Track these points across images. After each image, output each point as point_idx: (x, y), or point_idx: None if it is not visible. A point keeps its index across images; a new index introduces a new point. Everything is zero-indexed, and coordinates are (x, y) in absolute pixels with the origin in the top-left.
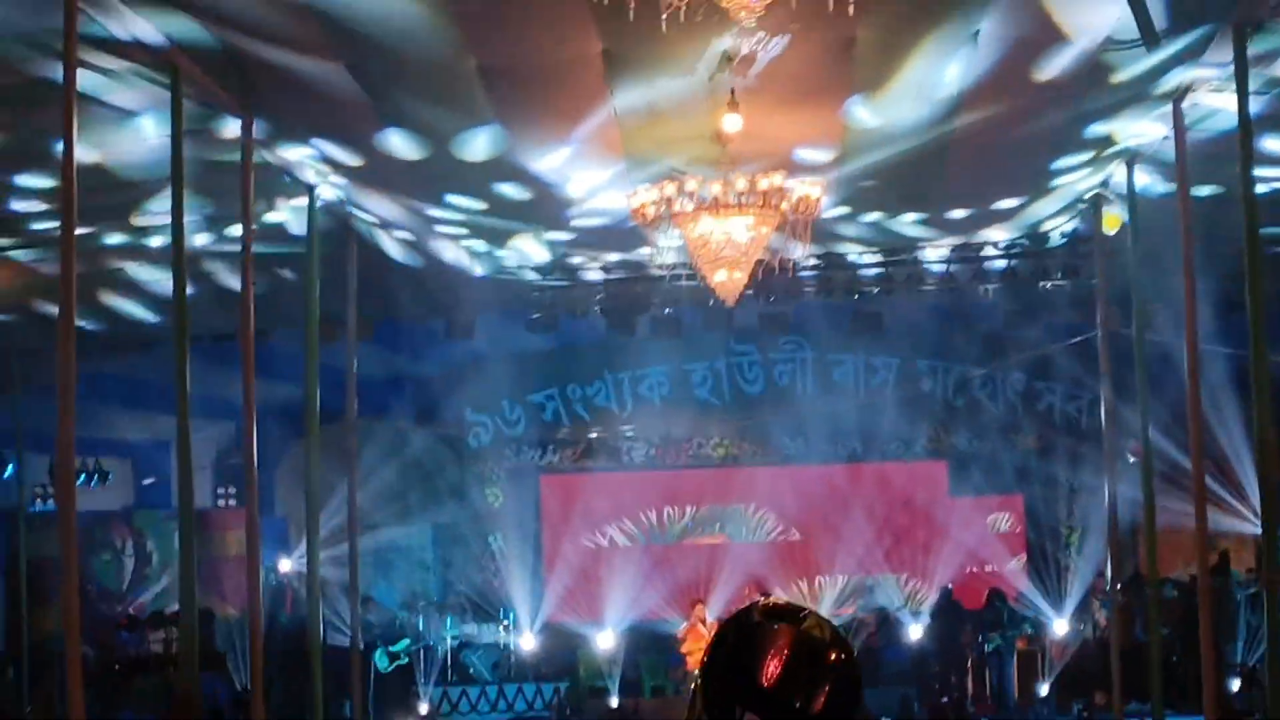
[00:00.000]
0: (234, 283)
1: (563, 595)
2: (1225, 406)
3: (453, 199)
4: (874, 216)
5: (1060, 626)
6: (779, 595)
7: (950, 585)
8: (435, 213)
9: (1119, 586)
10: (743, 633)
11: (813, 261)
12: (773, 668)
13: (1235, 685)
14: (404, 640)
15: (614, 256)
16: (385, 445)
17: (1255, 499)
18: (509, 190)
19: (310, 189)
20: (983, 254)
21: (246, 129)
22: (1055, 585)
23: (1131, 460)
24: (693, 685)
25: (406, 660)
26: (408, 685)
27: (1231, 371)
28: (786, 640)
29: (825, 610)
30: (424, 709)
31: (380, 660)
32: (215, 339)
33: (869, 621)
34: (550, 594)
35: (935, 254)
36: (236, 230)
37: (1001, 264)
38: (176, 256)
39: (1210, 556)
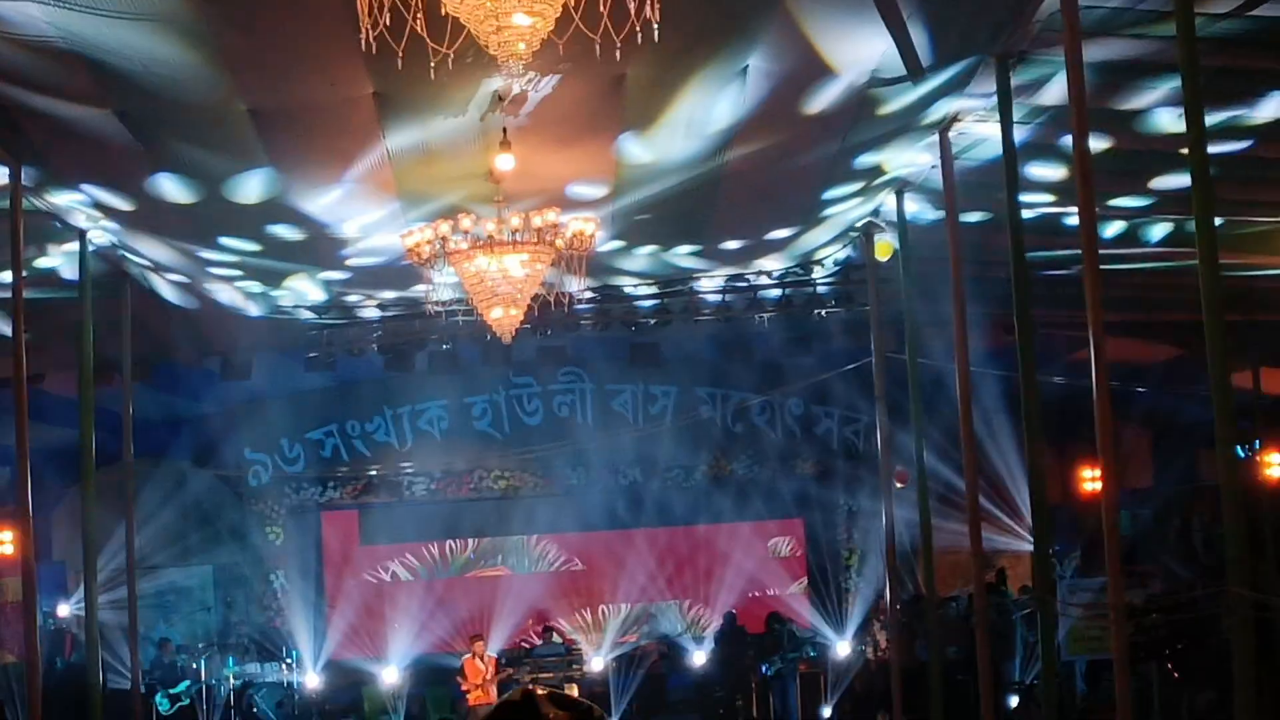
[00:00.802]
0: (5, 329)
1: (346, 632)
2: (999, 428)
3: (226, 241)
4: (649, 249)
5: (842, 648)
6: (562, 625)
7: (733, 610)
8: (208, 254)
9: (898, 607)
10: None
11: (589, 295)
12: None
13: (1013, 702)
14: (184, 682)
15: (390, 294)
16: (163, 487)
17: (1029, 518)
18: (283, 231)
19: (82, 234)
20: (757, 283)
21: (15, 176)
22: (836, 608)
23: (899, 486)
24: None
25: (188, 702)
26: None
27: (1005, 393)
28: None
29: (609, 639)
30: None
31: (161, 704)
32: None
33: (652, 650)
34: (333, 631)
35: (710, 284)
36: (6, 276)
37: (776, 293)
38: None
39: (987, 575)
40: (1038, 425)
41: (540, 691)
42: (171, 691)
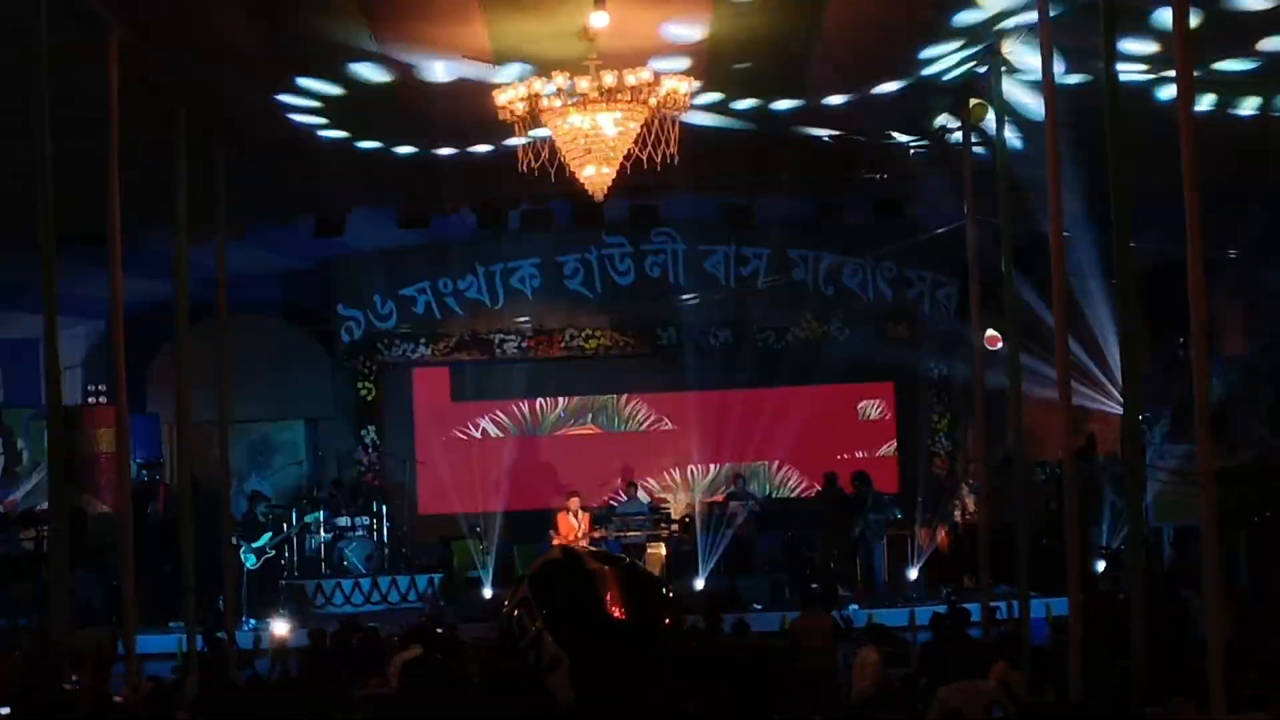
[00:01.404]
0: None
1: (436, 487)
2: (1094, 294)
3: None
4: (748, 103)
5: (930, 511)
6: (649, 483)
7: (834, 472)
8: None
9: (987, 471)
10: (575, 572)
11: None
12: (614, 602)
13: (1100, 567)
14: (265, 535)
15: (483, 150)
16: (257, 342)
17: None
18: (367, 72)
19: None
20: (856, 141)
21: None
22: (925, 471)
23: (991, 349)
24: (512, 612)
25: (272, 554)
26: (277, 579)
27: (1101, 260)
28: (619, 578)
29: (697, 499)
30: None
31: (247, 559)
32: (86, 240)
33: (740, 509)
34: (424, 486)
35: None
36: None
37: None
38: (40, 151)
39: (1076, 440)
40: (1130, 289)
41: (581, 548)
42: (254, 546)
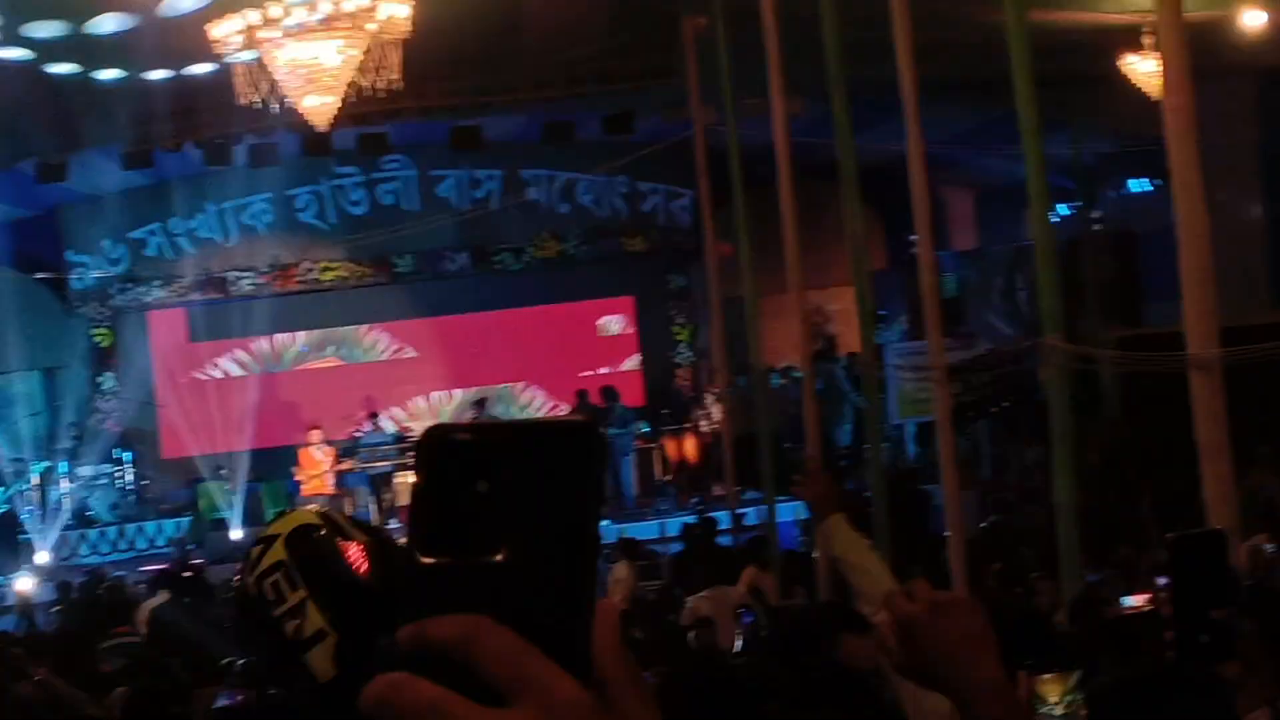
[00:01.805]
0: None
1: (180, 430)
2: (822, 194)
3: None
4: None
5: (664, 422)
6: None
7: (585, 389)
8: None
9: (729, 379)
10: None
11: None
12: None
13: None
14: None
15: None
16: None
17: None
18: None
19: None
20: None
21: None
22: (669, 383)
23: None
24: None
25: (6, 508)
26: (16, 533)
27: (826, 161)
28: (377, 551)
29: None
30: (43, 556)
31: None
32: None
33: None
34: (167, 430)
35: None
36: None
37: (594, 72)
38: None
39: (815, 344)
40: (854, 189)
41: (338, 514)
42: None
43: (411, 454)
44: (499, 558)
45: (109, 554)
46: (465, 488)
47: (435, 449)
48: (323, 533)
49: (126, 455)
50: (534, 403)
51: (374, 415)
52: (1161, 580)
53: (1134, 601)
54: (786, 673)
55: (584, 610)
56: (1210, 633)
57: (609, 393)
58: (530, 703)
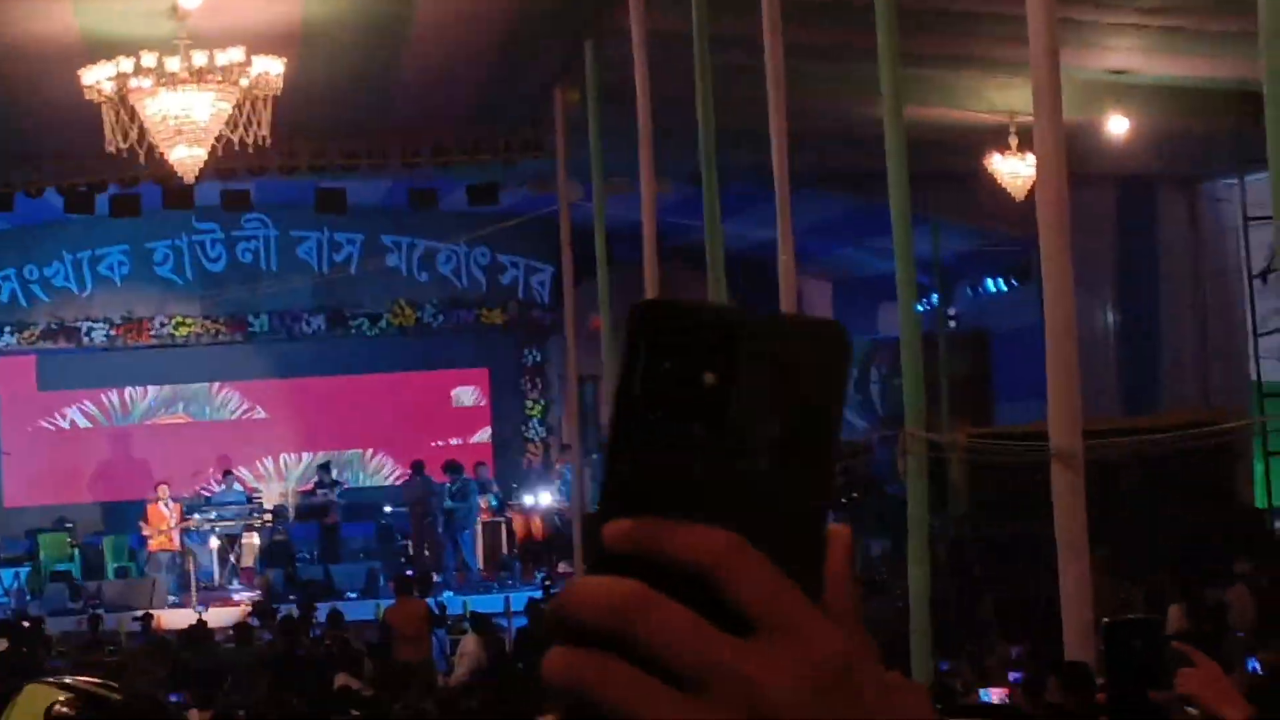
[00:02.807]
0: None
1: (23, 480)
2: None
3: None
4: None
5: (525, 498)
6: (242, 473)
7: (420, 460)
8: None
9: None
10: None
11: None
12: None
13: None
14: None
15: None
16: None
17: None
18: None
19: None
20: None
21: None
22: (519, 457)
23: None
24: None
25: None
26: None
27: (695, 246)
28: None
29: (290, 488)
30: None
31: None
32: None
33: (331, 499)
34: (9, 479)
35: (399, 133)
36: None
37: (466, 140)
38: None
39: None
40: (720, 274)
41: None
42: None
43: (264, 514)
44: (741, 465)
45: None
46: (689, 378)
47: (660, 326)
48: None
49: None
50: (383, 469)
51: (228, 473)
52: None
53: (993, 697)
54: None
55: (824, 533)
56: (1149, 717)
57: (452, 466)
58: (786, 651)
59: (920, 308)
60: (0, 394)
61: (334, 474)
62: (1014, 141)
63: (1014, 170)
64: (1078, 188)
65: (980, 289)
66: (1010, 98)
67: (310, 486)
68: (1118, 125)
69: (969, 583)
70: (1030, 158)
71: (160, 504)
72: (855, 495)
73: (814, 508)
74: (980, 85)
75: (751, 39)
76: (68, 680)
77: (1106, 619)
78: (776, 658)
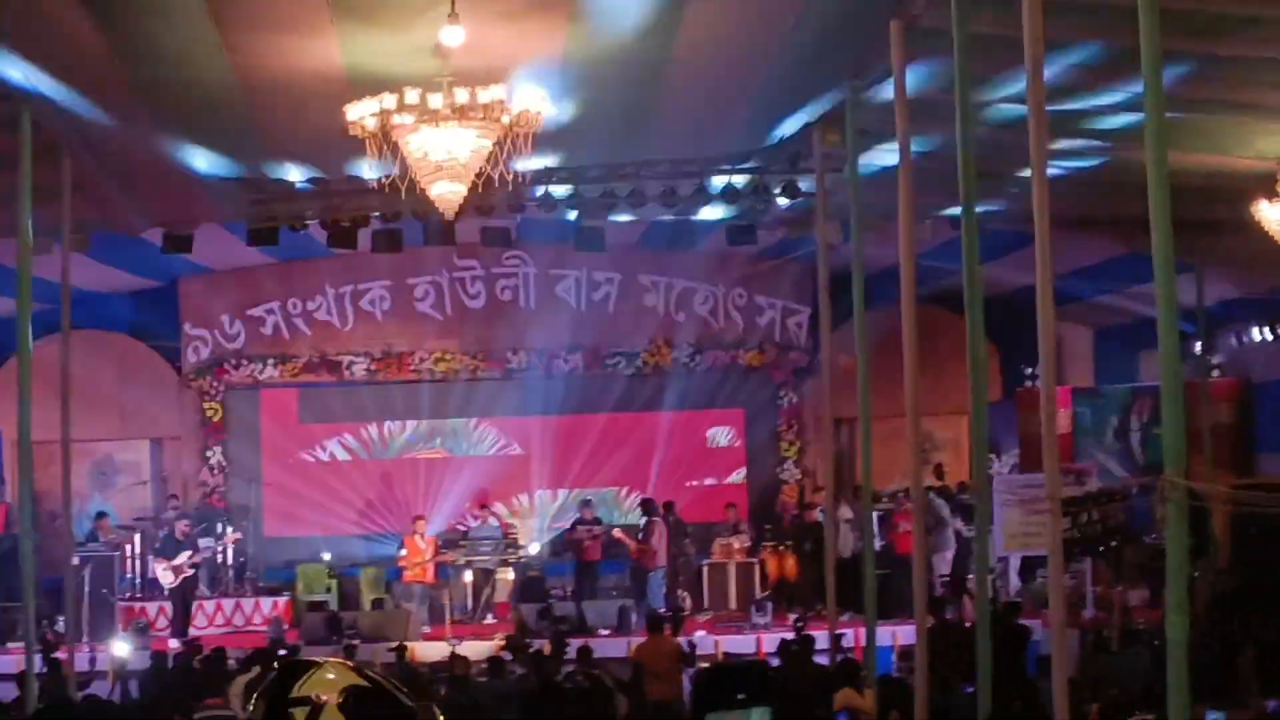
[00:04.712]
0: None
1: (283, 510)
2: (938, 321)
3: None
4: (599, 133)
5: (780, 539)
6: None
7: (671, 501)
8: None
9: (835, 499)
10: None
11: (534, 175)
12: None
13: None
14: (183, 551)
15: (334, 169)
16: (103, 359)
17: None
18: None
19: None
20: (705, 169)
21: None
22: (773, 499)
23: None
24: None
25: (192, 572)
26: (114, 601)
27: (952, 287)
28: None
29: (545, 524)
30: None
31: (164, 576)
32: None
33: (585, 535)
34: (270, 508)
35: (659, 168)
36: None
37: (723, 180)
38: None
39: (925, 470)
40: (979, 318)
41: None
42: (173, 563)
43: (519, 549)
44: None
45: (205, 628)
46: None
47: None
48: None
49: (229, 530)
50: (637, 509)
51: (484, 507)
52: None
53: None
54: None
55: None
56: None
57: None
58: None
59: (1182, 355)
60: (263, 425)
61: (595, 510)
62: None
63: None
64: None
65: (1245, 338)
66: (1278, 144)
67: (568, 523)
68: None
69: (1228, 633)
70: None
71: (417, 537)
72: (1114, 543)
73: None
74: (1248, 131)
75: (1013, 77)
76: (369, 672)
77: None
78: None
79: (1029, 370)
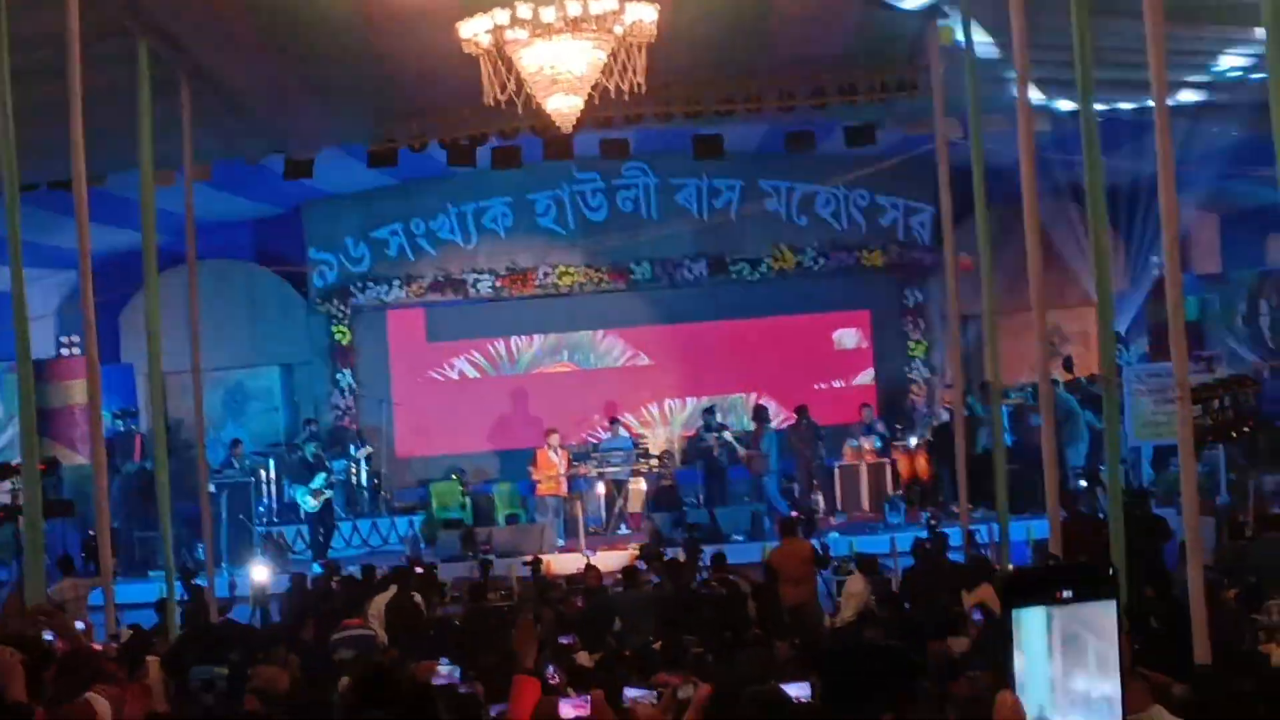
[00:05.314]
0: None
1: (414, 429)
2: (1066, 214)
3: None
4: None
5: (909, 439)
6: (628, 420)
7: (804, 405)
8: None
9: (965, 396)
10: None
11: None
12: None
13: (1083, 485)
14: (319, 476)
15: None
16: (230, 287)
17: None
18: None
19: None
20: (821, 71)
21: None
22: (902, 398)
23: (964, 272)
24: None
25: (330, 494)
26: (253, 526)
27: (1066, 180)
28: None
29: (675, 433)
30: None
31: (304, 502)
32: (54, 187)
33: (715, 442)
34: (401, 429)
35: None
36: None
37: (839, 81)
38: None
39: (1052, 363)
40: (1102, 209)
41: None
42: (312, 487)
43: (650, 459)
44: None
45: (343, 549)
46: None
47: None
48: None
49: (362, 452)
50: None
51: (615, 420)
52: None
53: None
54: None
55: None
56: None
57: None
58: None
59: None
60: (391, 346)
61: (719, 417)
62: None
63: None
64: None
65: None
66: None
67: (695, 431)
68: None
69: None
70: None
71: (549, 451)
72: (1246, 429)
73: None
74: None
75: None
76: None
77: None
78: None
79: (1155, 259)
